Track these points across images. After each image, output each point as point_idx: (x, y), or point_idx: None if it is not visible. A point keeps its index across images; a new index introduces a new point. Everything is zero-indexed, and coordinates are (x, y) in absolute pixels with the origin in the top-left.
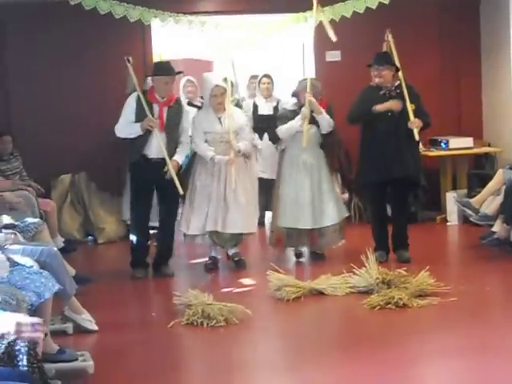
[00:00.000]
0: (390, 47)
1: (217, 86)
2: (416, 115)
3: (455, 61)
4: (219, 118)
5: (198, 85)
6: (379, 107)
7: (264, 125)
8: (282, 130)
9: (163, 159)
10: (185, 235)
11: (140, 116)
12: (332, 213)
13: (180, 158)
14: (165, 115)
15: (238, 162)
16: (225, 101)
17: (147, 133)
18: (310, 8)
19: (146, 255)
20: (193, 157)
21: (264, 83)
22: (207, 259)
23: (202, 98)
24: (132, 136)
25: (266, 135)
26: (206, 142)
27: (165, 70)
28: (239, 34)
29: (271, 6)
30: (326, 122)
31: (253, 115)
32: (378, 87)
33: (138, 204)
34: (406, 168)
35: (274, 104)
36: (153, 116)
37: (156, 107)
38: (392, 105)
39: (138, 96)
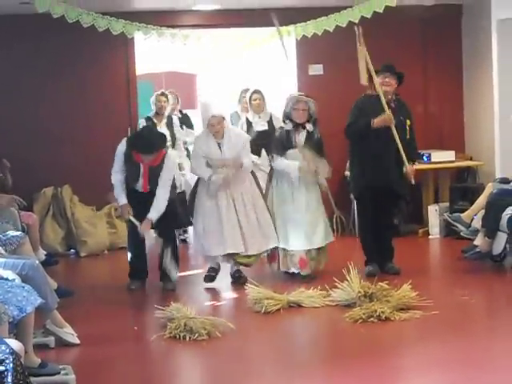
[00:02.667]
0: (360, 43)
1: (213, 116)
2: (410, 132)
3: (437, 74)
4: (218, 144)
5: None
6: (377, 122)
7: (260, 141)
8: (277, 164)
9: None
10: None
11: (129, 165)
12: (321, 235)
13: (154, 214)
14: (148, 175)
15: (241, 179)
16: (222, 128)
17: (137, 172)
18: (293, 22)
19: (140, 268)
20: (197, 181)
21: (255, 99)
22: (207, 270)
23: (180, 112)
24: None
25: (263, 151)
26: (207, 163)
27: (145, 148)
28: (222, 47)
29: (254, 19)
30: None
31: (247, 132)
32: (374, 96)
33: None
34: (393, 180)
35: (268, 119)
36: (138, 173)
37: (141, 166)
38: (387, 118)
39: (126, 147)
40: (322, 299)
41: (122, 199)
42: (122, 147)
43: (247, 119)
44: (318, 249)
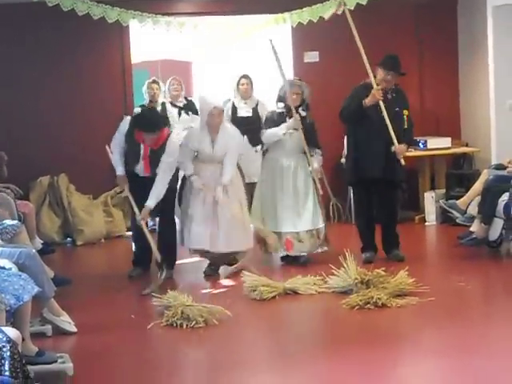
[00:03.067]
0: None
1: (215, 107)
2: (408, 122)
3: (433, 61)
4: (212, 141)
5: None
6: (368, 100)
7: (243, 127)
8: (266, 134)
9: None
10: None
11: (129, 142)
12: (307, 218)
13: (153, 201)
14: (149, 157)
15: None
16: (221, 121)
17: (137, 153)
18: (288, 9)
19: (143, 255)
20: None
21: (243, 84)
22: (206, 265)
23: (185, 98)
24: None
25: (245, 138)
26: (196, 157)
27: (148, 126)
28: (218, 34)
29: (249, 7)
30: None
31: (232, 117)
32: (372, 85)
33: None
34: (390, 169)
35: (254, 105)
36: (139, 155)
37: (142, 147)
38: (376, 93)
39: (128, 128)
40: (319, 286)
41: (120, 169)
42: (124, 125)
43: (233, 104)
44: (309, 232)
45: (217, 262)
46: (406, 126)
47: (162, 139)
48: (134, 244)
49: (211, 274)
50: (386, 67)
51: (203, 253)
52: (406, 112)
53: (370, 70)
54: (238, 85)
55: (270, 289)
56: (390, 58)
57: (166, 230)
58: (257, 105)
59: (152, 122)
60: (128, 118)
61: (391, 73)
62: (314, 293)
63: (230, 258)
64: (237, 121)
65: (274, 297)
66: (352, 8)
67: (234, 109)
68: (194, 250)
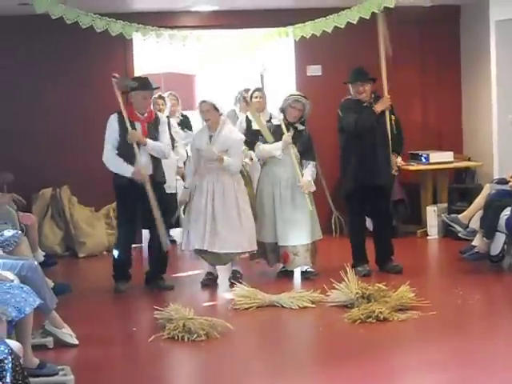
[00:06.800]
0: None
1: (203, 101)
2: (397, 125)
3: (435, 75)
4: (210, 137)
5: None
6: (379, 106)
7: (259, 139)
8: (260, 149)
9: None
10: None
11: (125, 136)
12: (305, 232)
13: (151, 142)
14: (147, 132)
15: (225, 180)
16: (214, 117)
17: (133, 153)
18: (291, 23)
19: (128, 268)
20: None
21: (256, 97)
22: (204, 275)
23: (181, 114)
24: (121, 174)
25: None
26: (201, 158)
27: (143, 85)
28: (220, 48)
29: (252, 20)
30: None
31: (247, 130)
32: (357, 100)
33: (125, 222)
34: (381, 176)
35: (267, 118)
36: (133, 154)
37: (138, 125)
38: (386, 100)
39: (118, 116)
40: (303, 300)
41: (129, 168)
42: (113, 122)
43: (247, 117)
44: (305, 246)
45: (214, 263)
46: (395, 131)
47: (151, 114)
48: (117, 253)
49: (208, 284)
50: (351, 80)
51: (202, 255)
52: (392, 117)
53: (385, 78)
54: (251, 98)
55: (248, 300)
56: (352, 71)
57: (156, 242)
58: (270, 117)
59: (147, 81)
60: (114, 116)
61: (358, 83)
62: (295, 308)
63: (226, 260)
64: (252, 133)
65: (276, 310)
66: (355, 22)
67: (249, 122)
68: (194, 251)
